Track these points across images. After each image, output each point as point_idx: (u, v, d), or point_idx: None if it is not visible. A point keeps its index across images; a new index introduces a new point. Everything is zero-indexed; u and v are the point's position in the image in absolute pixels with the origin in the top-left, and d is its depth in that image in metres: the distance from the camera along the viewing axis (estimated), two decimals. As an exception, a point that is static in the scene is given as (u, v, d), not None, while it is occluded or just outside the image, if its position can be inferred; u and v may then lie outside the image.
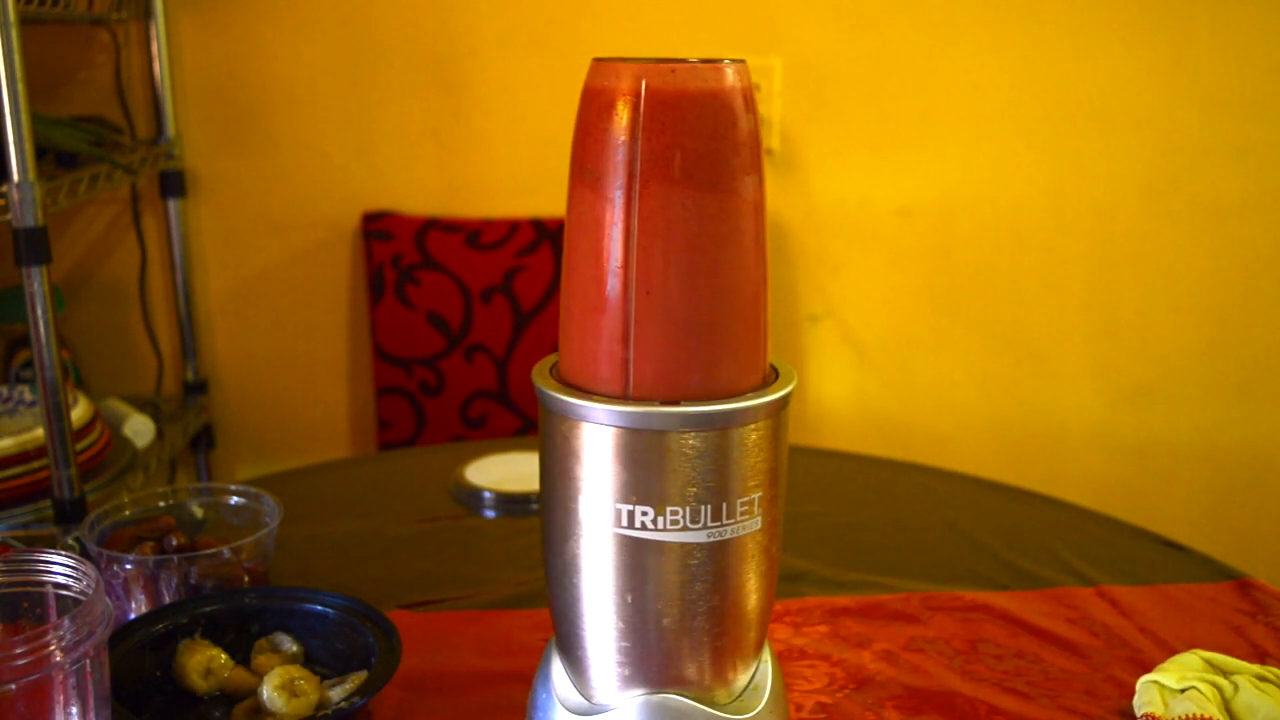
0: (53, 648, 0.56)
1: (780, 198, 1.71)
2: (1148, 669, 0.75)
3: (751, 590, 0.59)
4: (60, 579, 0.63)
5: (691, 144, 0.53)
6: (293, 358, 1.78)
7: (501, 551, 0.97)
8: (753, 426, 0.56)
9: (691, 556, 0.56)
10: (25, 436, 1.22)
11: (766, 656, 0.64)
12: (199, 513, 0.89)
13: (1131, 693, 0.74)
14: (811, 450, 1.29)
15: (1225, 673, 0.72)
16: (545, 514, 0.60)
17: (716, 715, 0.59)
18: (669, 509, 0.55)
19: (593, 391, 0.56)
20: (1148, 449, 1.79)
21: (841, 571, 0.93)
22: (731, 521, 0.56)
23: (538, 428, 0.59)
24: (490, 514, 1.06)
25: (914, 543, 1.00)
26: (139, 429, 1.51)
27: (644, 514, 0.55)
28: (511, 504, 1.06)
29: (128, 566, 0.77)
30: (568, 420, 0.56)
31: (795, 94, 1.67)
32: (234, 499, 0.89)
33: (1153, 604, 0.88)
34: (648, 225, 0.53)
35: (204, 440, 1.76)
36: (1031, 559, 0.96)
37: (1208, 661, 0.73)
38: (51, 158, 1.41)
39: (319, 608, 0.76)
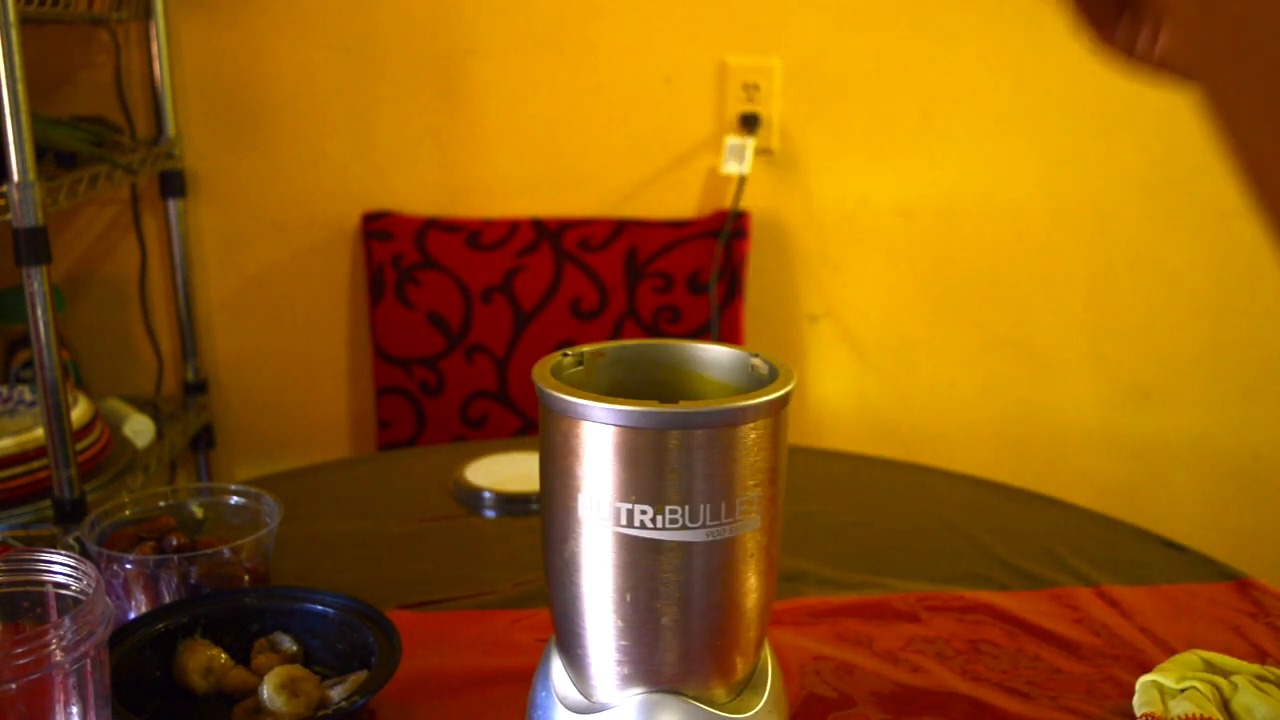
0: (53, 647, 0.56)
1: (780, 198, 1.71)
2: (1148, 669, 0.75)
3: (751, 590, 0.59)
4: (60, 579, 0.63)
5: None
6: (293, 358, 1.78)
7: (501, 551, 0.97)
8: (752, 426, 0.56)
9: (691, 556, 0.56)
10: (25, 436, 1.22)
11: (766, 656, 0.64)
12: (199, 513, 0.89)
13: (1131, 693, 0.74)
14: (811, 450, 1.29)
15: (1225, 673, 0.72)
16: (545, 513, 0.60)
17: (716, 714, 0.59)
18: (668, 508, 0.55)
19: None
20: (1148, 449, 1.79)
21: (841, 571, 0.93)
22: (731, 521, 0.56)
23: (538, 428, 0.59)
24: (490, 514, 1.06)
25: (914, 543, 1.00)
26: (139, 429, 1.51)
27: (643, 513, 0.55)
28: (511, 504, 1.06)
29: (128, 566, 0.77)
30: (568, 419, 0.56)
31: (795, 94, 1.67)
32: (234, 499, 0.89)
33: (1153, 604, 0.88)
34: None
35: (204, 440, 1.76)
36: (1031, 559, 0.96)
37: (1207, 661, 0.73)
38: (51, 158, 1.41)
39: (319, 608, 0.76)
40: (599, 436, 0.55)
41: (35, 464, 1.22)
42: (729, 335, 1.66)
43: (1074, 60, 1.65)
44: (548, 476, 0.59)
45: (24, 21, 1.12)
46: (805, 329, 1.77)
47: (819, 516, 1.04)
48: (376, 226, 1.66)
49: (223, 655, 0.73)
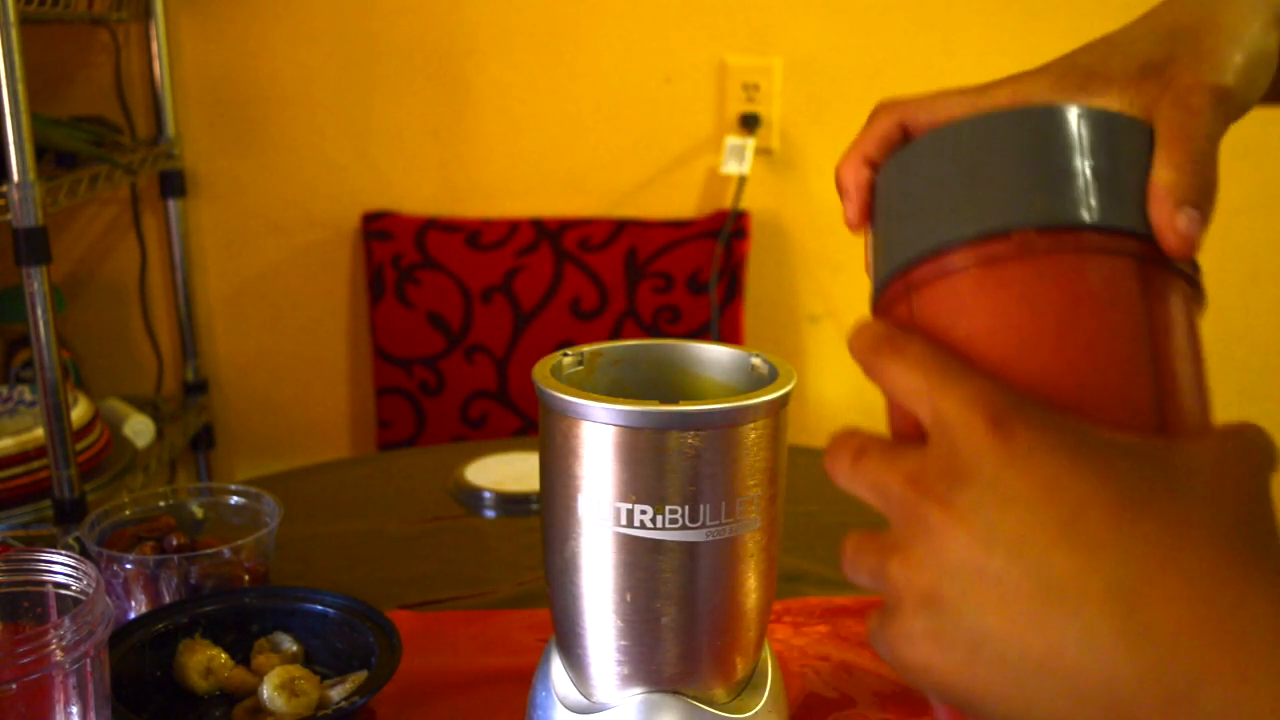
0: (53, 647, 0.56)
1: (780, 198, 1.71)
2: (1147, 668, 0.75)
3: (751, 589, 0.59)
4: (60, 579, 0.63)
5: None
6: (293, 358, 1.77)
7: (501, 551, 0.97)
8: (752, 426, 0.56)
9: (691, 555, 0.56)
10: (25, 436, 1.22)
11: (766, 656, 0.64)
12: (199, 513, 0.89)
13: (1131, 692, 0.74)
14: (811, 450, 1.29)
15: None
16: (545, 513, 0.60)
17: (716, 714, 0.59)
18: (668, 508, 0.55)
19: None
20: (1148, 449, 1.79)
21: (841, 571, 0.93)
22: (731, 521, 0.56)
23: (538, 428, 0.59)
24: (490, 514, 1.06)
25: (914, 542, 1.00)
26: (139, 429, 1.51)
27: (643, 513, 0.55)
28: (511, 504, 1.06)
29: (128, 566, 0.77)
30: (567, 419, 0.56)
31: (795, 94, 1.67)
32: (234, 499, 0.89)
33: (1153, 604, 0.88)
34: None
35: (204, 440, 1.76)
36: (1031, 559, 0.96)
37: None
38: (51, 158, 1.41)
39: (319, 608, 0.76)
40: (599, 436, 0.55)
41: (35, 464, 1.22)
42: (729, 335, 1.66)
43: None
44: (548, 477, 0.59)
45: (24, 21, 1.12)
46: (805, 329, 1.77)
47: (819, 516, 1.04)
48: (376, 226, 1.66)
49: (223, 655, 0.73)
